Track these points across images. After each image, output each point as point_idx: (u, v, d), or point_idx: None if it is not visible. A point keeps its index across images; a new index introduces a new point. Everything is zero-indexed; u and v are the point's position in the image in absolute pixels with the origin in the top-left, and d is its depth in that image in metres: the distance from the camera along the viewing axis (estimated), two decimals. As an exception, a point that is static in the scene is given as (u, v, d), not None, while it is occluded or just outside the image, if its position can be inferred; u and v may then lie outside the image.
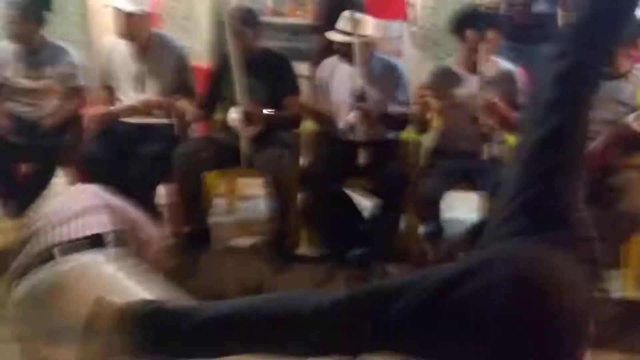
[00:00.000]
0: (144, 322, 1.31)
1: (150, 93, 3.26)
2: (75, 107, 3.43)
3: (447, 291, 1.15)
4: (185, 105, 3.17)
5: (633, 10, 1.53)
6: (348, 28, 2.96)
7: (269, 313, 1.25)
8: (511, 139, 3.15)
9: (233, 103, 3.06)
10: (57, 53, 3.39)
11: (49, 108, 3.37)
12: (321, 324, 1.21)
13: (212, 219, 3.27)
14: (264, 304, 1.32)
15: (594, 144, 2.67)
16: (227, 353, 1.31)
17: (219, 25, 4.71)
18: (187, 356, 1.33)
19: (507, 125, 2.95)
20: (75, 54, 3.48)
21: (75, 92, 3.43)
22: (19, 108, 3.36)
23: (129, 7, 3.11)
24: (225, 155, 3.08)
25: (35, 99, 3.36)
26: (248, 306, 1.32)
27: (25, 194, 3.21)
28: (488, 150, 2.95)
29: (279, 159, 2.97)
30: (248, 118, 2.97)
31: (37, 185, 3.23)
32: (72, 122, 3.42)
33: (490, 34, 2.94)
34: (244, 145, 3.01)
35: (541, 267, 1.20)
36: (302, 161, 3.27)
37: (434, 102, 2.97)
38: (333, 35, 3.08)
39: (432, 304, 1.15)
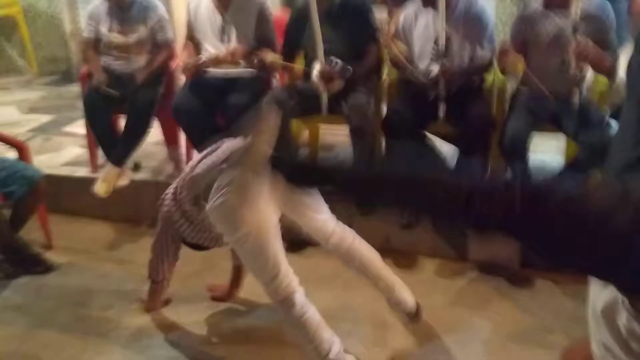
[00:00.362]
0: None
1: (235, 43, 3.36)
2: (165, 60, 3.60)
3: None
4: (270, 55, 3.23)
5: None
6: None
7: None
8: (602, 81, 3.06)
9: (312, 53, 3.12)
10: (146, 9, 3.54)
11: (141, 62, 3.55)
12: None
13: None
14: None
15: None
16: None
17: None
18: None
19: (599, 67, 2.85)
20: (163, 9, 3.63)
21: (164, 45, 3.59)
22: (113, 62, 3.55)
23: None
24: (309, 104, 3.15)
25: (128, 53, 3.54)
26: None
27: (124, 144, 3.45)
28: (577, 94, 2.87)
29: (362, 106, 3.02)
30: (325, 77, 3.02)
31: (135, 135, 3.44)
32: (163, 74, 3.60)
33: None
34: (324, 96, 3.07)
35: None
36: (384, 108, 3.30)
37: (515, 56, 2.89)
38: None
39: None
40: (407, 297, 2.45)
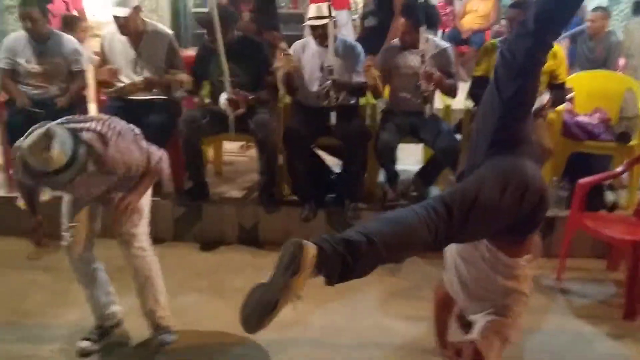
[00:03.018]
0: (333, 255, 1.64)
1: (147, 74, 3.84)
2: (80, 88, 4.00)
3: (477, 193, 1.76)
4: (185, 77, 3.78)
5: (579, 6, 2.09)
6: (321, 12, 3.64)
7: (394, 232, 1.69)
8: (445, 100, 3.97)
9: (218, 83, 3.71)
10: (61, 41, 3.93)
11: (57, 90, 3.91)
12: (425, 227, 1.71)
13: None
14: (388, 225, 1.71)
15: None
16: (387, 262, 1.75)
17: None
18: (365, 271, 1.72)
19: (443, 89, 3.76)
20: (76, 42, 4.05)
21: (79, 75, 3.99)
22: (31, 90, 3.88)
23: (121, 13, 3.65)
24: (218, 123, 3.73)
25: (45, 81, 3.89)
26: (382, 229, 1.69)
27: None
28: (429, 109, 3.74)
29: (266, 123, 3.65)
30: (233, 104, 3.62)
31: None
32: (79, 100, 3.99)
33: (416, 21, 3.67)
34: (231, 123, 3.66)
35: (530, 168, 1.86)
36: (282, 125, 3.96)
37: (374, 71, 3.69)
38: (309, 20, 3.75)
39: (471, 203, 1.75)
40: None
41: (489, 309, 2.00)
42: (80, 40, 4.53)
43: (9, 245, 3.71)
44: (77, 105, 3.96)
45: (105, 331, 2.77)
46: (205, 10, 6.01)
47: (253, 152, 4.68)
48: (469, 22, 7.13)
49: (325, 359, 2.74)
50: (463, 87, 4.00)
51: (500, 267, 1.96)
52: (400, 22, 3.72)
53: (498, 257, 1.95)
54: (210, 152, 4.29)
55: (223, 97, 3.65)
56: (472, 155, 2.05)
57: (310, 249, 1.59)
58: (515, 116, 1.92)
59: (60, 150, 2.10)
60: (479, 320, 2.01)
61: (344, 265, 1.63)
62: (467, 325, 2.10)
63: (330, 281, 1.66)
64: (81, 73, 4.01)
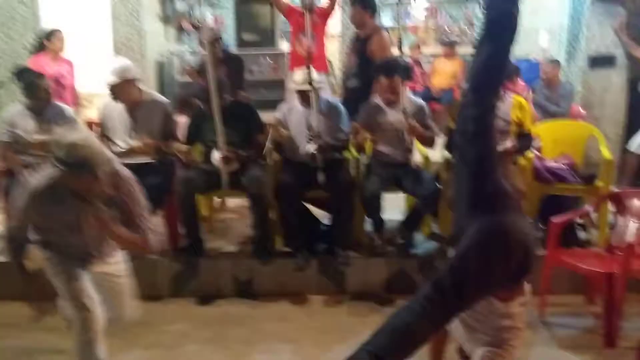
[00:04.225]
0: None
1: (143, 139, 4.06)
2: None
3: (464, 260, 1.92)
4: (180, 146, 4.01)
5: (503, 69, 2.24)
6: (306, 79, 3.95)
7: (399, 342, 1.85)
8: (424, 150, 4.26)
9: (210, 143, 3.95)
10: (58, 111, 4.16)
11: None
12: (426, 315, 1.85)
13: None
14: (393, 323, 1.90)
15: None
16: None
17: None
18: None
19: (423, 140, 4.06)
20: (72, 111, 4.28)
21: (76, 142, 4.19)
22: (32, 160, 4.06)
23: (111, 81, 3.91)
24: (211, 181, 3.95)
25: (45, 151, 4.08)
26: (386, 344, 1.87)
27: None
28: (411, 160, 4.02)
29: (258, 178, 3.88)
30: (227, 160, 3.85)
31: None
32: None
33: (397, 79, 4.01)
34: (224, 176, 3.88)
35: (510, 224, 1.98)
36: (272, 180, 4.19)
37: (364, 132, 4.00)
38: (295, 86, 4.05)
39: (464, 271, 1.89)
40: None
41: (487, 342, 2.17)
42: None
43: (14, 309, 3.79)
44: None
45: None
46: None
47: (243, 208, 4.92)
48: (438, 82, 7.58)
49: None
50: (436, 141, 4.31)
51: (495, 310, 2.14)
52: (381, 81, 4.03)
53: (493, 304, 2.12)
54: (203, 210, 4.47)
55: (216, 155, 3.87)
56: (457, 219, 2.21)
57: None
58: (484, 172, 2.05)
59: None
60: (477, 352, 2.19)
61: None
62: (466, 358, 2.28)
63: None
64: (78, 140, 4.21)
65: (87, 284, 2.72)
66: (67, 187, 2.46)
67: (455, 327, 2.29)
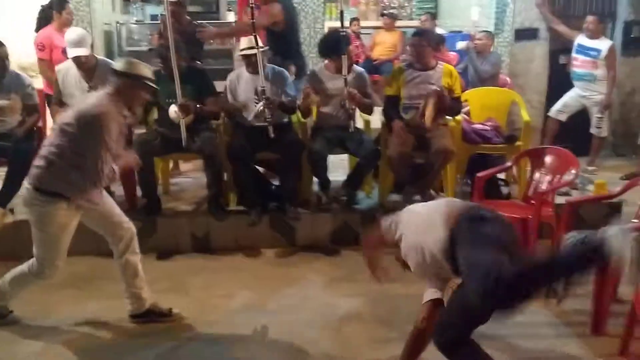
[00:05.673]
0: None
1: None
2: (35, 121, 4.36)
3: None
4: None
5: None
6: (251, 43, 4.22)
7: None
8: (364, 116, 4.64)
9: (165, 104, 4.18)
10: (17, 79, 4.30)
11: (14, 122, 4.26)
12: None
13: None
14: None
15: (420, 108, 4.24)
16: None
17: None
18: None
19: (362, 107, 4.43)
20: (30, 80, 4.42)
21: (33, 109, 4.36)
22: (-9, 123, 4.22)
23: (83, 53, 4.13)
24: (167, 144, 4.21)
25: (2, 115, 4.23)
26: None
27: (8, 188, 4.11)
28: (352, 124, 4.39)
29: (211, 139, 4.17)
30: (184, 109, 4.07)
31: (16, 180, 4.09)
32: (35, 131, 4.36)
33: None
34: (183, 133, 4.13)
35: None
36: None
37: (314, 96, 4.34)
38: (243, 51, 4.32)
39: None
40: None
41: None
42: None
43: None
44: (34, 135, 4.33)
45: None
46: (139, 48, 6.51)
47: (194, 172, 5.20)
48: (378, 53, 7.96)
49: (283, 331, 3.20)
50: (377, 110, 4.70)
51: None
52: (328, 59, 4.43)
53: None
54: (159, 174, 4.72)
55: (173, 107, 4.07)
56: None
57: None
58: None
59: None
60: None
61: None
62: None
63: None
64: (35, 107, 4.38)
65: None
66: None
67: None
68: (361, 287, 3.59)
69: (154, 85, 3.13)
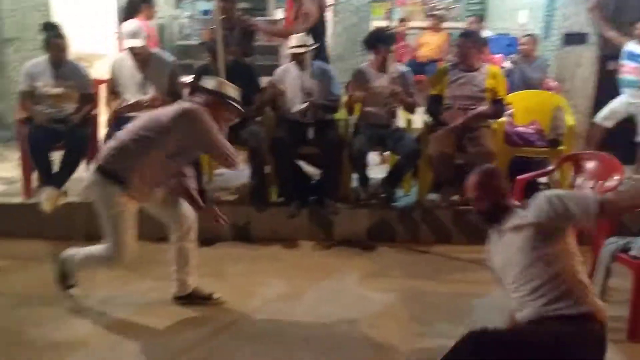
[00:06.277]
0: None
1: (152, 94, 4.43)
2: (90, 108, 4.57)
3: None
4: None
5: None
6: (303, 42, 4.33)
7: None
8: (407, 115, 4.69)
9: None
10: (75, 68, 4.52)
11: (70, 109, 4.47)
12: None
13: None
14: None
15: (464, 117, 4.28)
16: None
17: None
18: None
19: (405, 105, 4.48)
20: (87, 69, 4.63)
21: (89, 97, 4.57)
22: (48, 109, 4.42)
23: (139, 44, 4.30)
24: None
25: (59, 102, 4.45)
26: None
27: (64, 170, 4.32)
28: (394, 122, 4.45)
29: (256, 133, 4.29)
30: None
31: (72, 164, 4.33)
32: (90, 119, 4.56)
33: (392, 47, 4.44)
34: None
35: None
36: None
37: (357, 94, 4.42)
38: (291, 49, 4.43)
39: None
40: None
41: None
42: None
43: (29, 246, 4.19)
44: (89, 122, 4.54)
45: None
46: (189, 42, 6.72)
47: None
48: (423, 53, 7.97)
49: (318, 323, 3.27)
50: (419, 110, 4.71)
51: None
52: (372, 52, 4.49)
53: None
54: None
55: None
56: None
57: None
58: None
59: None
60: None
61: None
62: None
63: None
64: (91, 95, 4.59)
65: None
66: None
67: None
68: (396, 283, 3.67)
69: (239, 107, 3.18)
